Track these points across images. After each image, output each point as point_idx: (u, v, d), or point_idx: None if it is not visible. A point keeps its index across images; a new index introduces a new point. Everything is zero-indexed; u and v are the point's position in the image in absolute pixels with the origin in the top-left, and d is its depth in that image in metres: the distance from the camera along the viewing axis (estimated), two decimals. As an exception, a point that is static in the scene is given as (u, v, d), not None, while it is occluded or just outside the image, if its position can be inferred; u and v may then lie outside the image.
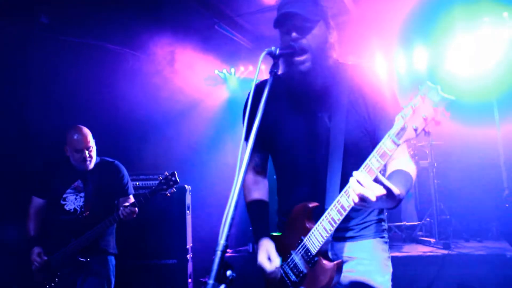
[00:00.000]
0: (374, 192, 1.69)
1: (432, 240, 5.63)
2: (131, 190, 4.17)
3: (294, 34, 2.08)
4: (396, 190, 1.78)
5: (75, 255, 3.74)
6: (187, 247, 5.54)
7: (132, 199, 4.10)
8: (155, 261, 5.43)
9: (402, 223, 6.32)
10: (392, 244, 5.82)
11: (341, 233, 2.17)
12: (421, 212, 6.35)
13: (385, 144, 1.69)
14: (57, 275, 3.75)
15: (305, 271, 2.08)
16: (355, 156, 2.04)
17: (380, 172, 1.78)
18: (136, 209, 3.78)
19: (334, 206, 1.91)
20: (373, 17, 7.03)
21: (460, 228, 6.03)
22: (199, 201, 6.24)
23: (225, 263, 1.66)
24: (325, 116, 2.18)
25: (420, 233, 6.13)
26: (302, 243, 2.08)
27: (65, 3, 5.39)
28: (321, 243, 1.99)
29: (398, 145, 1.66)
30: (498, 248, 5.22)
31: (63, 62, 5.78)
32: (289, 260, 2.15)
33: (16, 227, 4.40)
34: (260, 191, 2.46)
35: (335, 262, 2.02)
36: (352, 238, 2.19)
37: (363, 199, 1.71)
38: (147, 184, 5.58)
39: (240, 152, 1.81)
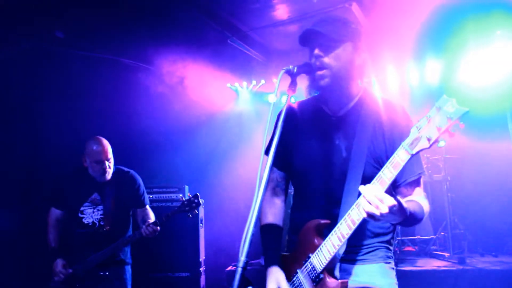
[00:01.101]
0: (385, 201, 1.71)
1: (447, 254, 5.58)
2: (147, 200, 4.18)
3: (316, 51, 2.11)
4: (404, 204, 1.81)
5: (94, 268, 3.77)
6: (200, 260, 5.55)
7: (149, 209, 4.14)
8: (169, 274, 5.45)
9: (416, 237, 6.27)
10: (406, 258, 5.78)
11: (347, 255, 2.13)
12: (435, 226, 6.29)
13: (399, 154, 1.72)
14: (76, 286, 3.77)
15: None
16: None
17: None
18: (158, 227, 3.80)
19: (344, 220, 1.91)
20: (385, 30, 7.05)
21: (475, 243, 5.97)
22: (212, 214, 6.26)
23: (245, 279, 1.68)
24: (343, 146, 2.19)
25: (434, 247, 6.07)
26: (309, 261, 2.07)
27: (80, 18, 5.49)
28: (328, 259, 1.97)
29: (412, 155, 1.69)
30: (513, 263, 5.16)
31: (78, 76, 5.88)
32: (294, 279, 2.13)
33: (25, 234, 4.46)
34: (275, 215, 2.41)
35: (340, 281, 2.00)
36: (356, 261, 2.17)
37: (373, 212, 1.73)
38: (160, 197, 5.62)
39: (260, 168, 1.83)
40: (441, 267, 5.11)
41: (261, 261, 6.21)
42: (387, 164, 1.76)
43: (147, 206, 4.16)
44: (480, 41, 6.50)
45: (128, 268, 4.02)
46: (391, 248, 2.27)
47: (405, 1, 6.32)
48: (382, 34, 7.12)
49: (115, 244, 3.82)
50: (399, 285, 2.21)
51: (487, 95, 6.55)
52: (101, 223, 3.92)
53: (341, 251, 2.04)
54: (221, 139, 7.26)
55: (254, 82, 8.03)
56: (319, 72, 2.11)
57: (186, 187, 5.83)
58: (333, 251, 1.95)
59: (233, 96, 8.14)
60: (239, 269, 1.63)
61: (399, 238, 6.07)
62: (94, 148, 3.85)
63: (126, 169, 4.16)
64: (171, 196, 5.64)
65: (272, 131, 2.12)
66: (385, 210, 1.70)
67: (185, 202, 3.94)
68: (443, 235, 5.88)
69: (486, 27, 6.32)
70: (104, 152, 3.86)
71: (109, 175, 3.93)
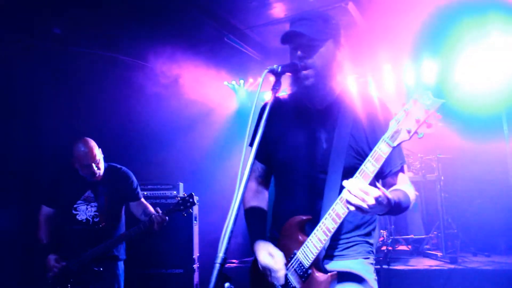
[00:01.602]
0: (371, 193, 1.74)
1: (439, 253, 5.60)
2: (141, 194, 4.24)
3: (300, 52, 2.12)
4: (388, 195, 1.84)
5: (90, 263, 3.81)
6: (193, 257, 5.58)
7: (145, 202, 4.21)
8: (162, 271, 5.47)
9: (410, 236, 6.29)
10: (399, 257, 5.80)
11: (327, 251, 2.15)
12: (428, 226, 6.32)
13: (380, 147, 1.78)
14: (70, 281, 3.79)
15: (298, 286, 2.05)
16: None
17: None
18: (167, 218, 3.85)
19: (329, 214, 1.93)
20: (381, 29, 7.08)
21: (468, 242, 5.98)
22: (207, 211, 6.28)
23: (223, 275, 1.70)
24: (323, 137, 2.21)
25: (427, 246, 6.10)
26: (295, 257, 2.08)
27: (77, 15, 5.51)
28: (315, 254, 1.98)
29: (393, 148, 1.75)
30: (505, 263, 5.17)
31: (75, 73, 5.90)
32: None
33: (25, 234, 4.49)
34: (260, 200, 2.45)
35: (329, 274, 2.00)
36: (335, 257, 2.19)
37: (360, 205, 1.76)
38: (154, 194, 5.65)
39: (240, 169, 1.85)
40: (433, 266, 5.13)
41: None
42: (369, 158, 1.81)
43: (142, 199, 4.22)
44: (476, 40, 6.51)
45: (121, 264, 4.07)
46: (372, 242, 2.28)
47: (402, 1, 6.35)
48: (379, 34, 7.15)
49: (113, 240, 3.89)
50: (392, 284, 2.23)
51: (483, 94, 6.58)
52: (95, 219, 3.96)
53: (327, 245, 2.07)
54: (218, 136, 7.28)
55: (251, 80, 8.05)
56: (304, 72, 2.13)
57: (181, 184, 5.85)
58: (319, 246, 1.97)
59: (230, 94, 8.16)
60: (217, 265, 1.66)
61: (392, 237, 6.10)
62: (81, 151, 3.88)
63: (118, 165, 4.20)
64: (165, 193, 5.67)
65: (255, 123, 2.21)
66: (371, 201, 1.74)
67: (180, 201, 3.97)
68: (436, 235, 5.88)
69: (482, 28, 6.33)
70: (91, 155, 3.88)
71: (99, 176, 3.97)
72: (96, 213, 3.97)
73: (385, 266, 5.11)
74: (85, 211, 3.97)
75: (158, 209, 3.96)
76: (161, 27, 6.13)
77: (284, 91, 2.32)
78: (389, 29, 6.85)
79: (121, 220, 4.18)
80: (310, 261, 2.00)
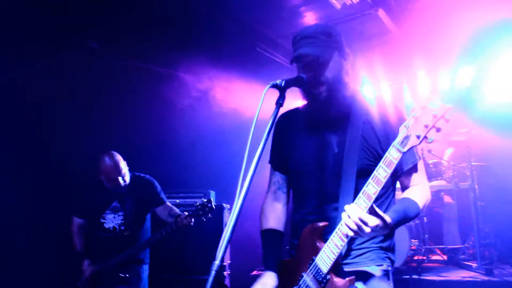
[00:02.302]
0: (369, 223, 1.83)
1: (474, 264, 5.44)
2: (165, 198, 4.46)
3: (309, 73, 2.19)
4: (387, 219, 1.90)
5: (116, 268, 4.04)
6: (224, 264, 5.65)
7: (170, 205, 4.43)
8: (194, 277, 5.56)
9: (444, 246, 6.15)
10: (432, 267, 5.69)
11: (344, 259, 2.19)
12: (465, 235, 6.15)
13: (391, 153, 1.84)
14: (98, 285, 4.05)
15: None
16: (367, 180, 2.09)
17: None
18: (193, 220, 4.06)
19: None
20: (414, 36, 7.00)
21: (506, 253, 5.78)
22: (239, 219, 6.35)
23: (219, 283, 1.77)
24: (334, 142, 2.26)
25: (463, 256, 5.93)
26: (314, 263, 2.12)
27: (114, 28, 5.76)
28: (333, 260, 2.02)
29: (403, 153, 1.81)
30: (544, 275, 4.98)
31: (108, 83, 6.14)
32: (300, 283, 2.17)
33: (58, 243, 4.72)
34: (277, 219, 2.48)
35: (347, 278, 2.04)
36: (347, 265, 2.21)
37: (356, 235, 1.87)
38: (185, 202, 5.80)
39: (240, 179, 1.92)
40: (466, 278, 5.00)
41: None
42: (381, 164, 1.86)
43: (167, 203, 4.43)
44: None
45: (146, 268, 4.29)
46: (387, 248, 2.27)
47: (436, 8, 6.27)
48: (413, 40, 7.07)
49: (136, 246, 4.10)
50: None
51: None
52: (122, 227, 4.20)
53: (344, 250, 2.13)
54: (251, 146, 7.33)
55: (284, 88, 8.08)
56: (316, 90, 2.20)
57: (212, 193, 5.96)
58: (337, 252, 2.00)
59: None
60: (213, 272, 1.72)
61: (426, 246, 5.97)
62: (107, 165, 4.09)
63: (142, 174, 4.41)
64: (196, 202, 5.78)
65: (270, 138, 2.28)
66: (368, 230, 1.83)
67: (198, 207, 4.13)
68: (472, 245, 5.72)
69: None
70: (117, 169, 4.09)
71: (125, 187, 4.18)
72: (122, 221, 4.20)
73: (415, 276, 5.02)
74: (112, 220, 4.20)
75: (186, 213, 4.14)
76: (193, 39, 6.29)
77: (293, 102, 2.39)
78: (422, 35, 6.78)
79: (145, 226, 4.40)
80: (328, 267, 2.04)
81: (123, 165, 4.18)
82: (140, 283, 4.18)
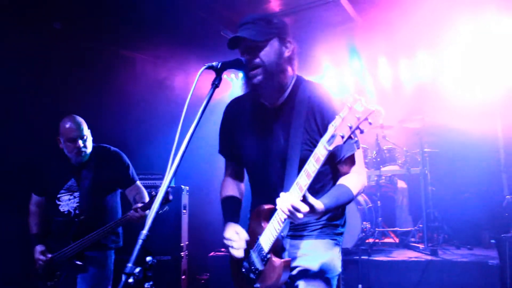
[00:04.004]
0: (301, 209, 1.98)
1: (421, 246, 5.75)
2: (136, 176, 3.99)
3: (246, 55, 2.30)
4: (319, 206, 2.06)
5: (73, 257, 3.66)
6: (181, 244, 5.85)
7: (139, 186, 3.97)
8: (151, 257, 5.72)
9: (395, 228, 6.46)
10: (383, 249, 5.99)
11: (296, 232, 2.41)
12: (416, 219, 6.47)
13: (319, 150, 1.92)
14: (57, 274, 3.72)
15: (260, 268, 2.29)
16: None
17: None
18: (147, 212, 3.55)
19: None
20: (377, 24, 7.21)
21: (452, 235, 6.12)
22: (198, 201, 6.55)
23: (146, 251, 1.95)
24: (281, 135, 2.39)
25: (413, 239, 6.25)
26: (258, 242, 2.31)
27: (77, 10, 5.80)
28: (271, 241, 2.20)
29: (328, 151, 1.88)
30: (484, 255, 5.30)
31: (72, 66, 6.18)
32: (249, 258, 2.37)
33: (17, 223, 4.49)
34: (235, 190, 2.70)
35: (282, 260, 2.21)
36: (304, 237, 2.41)
37: (290, 219, 2.04)
38: (144, 183, 5.90)
39: (171, 156, 2.07)
40: (411, 258, 5.30)
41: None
42: (311, 159, 1.96)
43: (138, 183, 3.96)
44: (474, 34, 6.64)
45: (111, 253, 3.90)
46: (338, 227, 2.48)
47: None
48: (374, 28, 7.29)
49: (95, 233, 3.63)
50: (371, 274, 2.43)
51: (477, 87, 6.71)
52: (76, 211, 3.78)
53: (284, 233, 2.30)
54: (211, 129, 7.48)
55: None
56: (252, 72, 2.29)
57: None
58: (275, 234, 2.17)
59: (228, 86, 8.39)
60: (140, 241, 1.89)
61: (380, 229, 6.27)
62: (67, 126, 3.68)
63: (107, 146, 3.97)
64: (155, 183, 5.95)
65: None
66: (300, 216, 1.99)
67: (154, 198, 3.54)
68: (421, 228, 6.03)
69: (480, 21, 6.47)
70: (77, 129, 3.69)
71: (85, 155, 3.75)
72: (78, 204, 3.78)
73: (364, 257, 5.31)
74: (67, 202, 3.81)
75: (139, 204, 3.59)
76: (153, 22, 6.35)
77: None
78: (384, 24, 6.99)
79: (109, 208, 3.91)
80: (269, 247, 2.23)
81: (85, 128, 3.76)
82: (104, 270, 3.79)
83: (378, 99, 8.07)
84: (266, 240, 2.24)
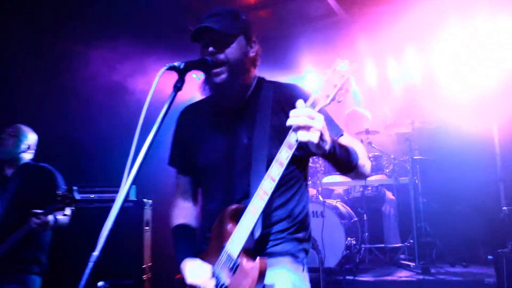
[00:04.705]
0: (317, 117, 1.88)
1: (412, 264, 5.81)
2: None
3: (211, 49, 2.28)
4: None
5: None
6: (143, 266, 5.76)
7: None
8: (115, 281, 5.61)
9: (384, 245, 6.50)
10: (370, 268, 6.02)
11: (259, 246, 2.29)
12: (404, 234, 6.52)
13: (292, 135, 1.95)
14: None
15: (226, 283, 2.15)
16: None
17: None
18: (48, 218, 3.76)
19: (257, 194, 2.05)
20: (361, 20, 7.31)
21: (446, 252, 6.18)
22: (163, 216, 6.45)
23: (97, 274, 1.90)
24: (244, 135, 2.39)
25: (402, 256, 6.31)
26: (224, 250, 2.18)
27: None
28: (243, 242, 2.07)
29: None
30: (480, 273, 5.40)
31: (18, 63, 6.07)
32: (214, 276, 2.23)
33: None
34: (188, 217, 2.58)
35: (256, 260, 2.06)
36: (265, 253, 2.32)
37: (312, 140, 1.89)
38: (102, 197, 5.86)
39: (127, 167, 2.03)
40: (402, 278, 5.36)
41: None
42: (284, 145, 1.98)
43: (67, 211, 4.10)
44: (466, 30, 6.77)
45: (35, 279, 3.98)
46: (302, 239, 2.42)
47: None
48: (360, 23, 7.38)
49: (6, 241, 3.75)
50: None
51: (470, 88, 6.82)
52: None
53: (257, 234, 2.17)
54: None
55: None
56: (216, 70, 2.28)
57: (133, 187, 6.03)
58: (247, 231, 2.07)
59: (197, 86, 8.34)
60: (90, 264, 1.85)
61: (366, 246, 6.30)
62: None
63: (40, 163, 4.19)
64: (113, 197, 5.85)
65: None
66: (319, 126, 1.87)
67: (58, 198, 3.82)
68: (413, 243, 6.08)
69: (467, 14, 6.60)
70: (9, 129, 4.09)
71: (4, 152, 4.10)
72: None
73: (349, 277, 5.33)
74: None
75: (36, 211, 3.75)
76: (114, 15, 6.31)
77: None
78: (370, 20, 7.09)
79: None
80: (239, 250, 2.10)
81: (10, 131, 4.15)
82: None
83: (363, 102, 8.15)
84: (235, 243, 2.13)
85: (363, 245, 6.17)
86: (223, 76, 2.29)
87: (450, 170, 6.71)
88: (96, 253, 1.88)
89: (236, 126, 2.43)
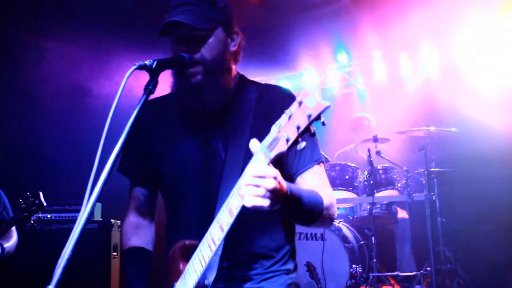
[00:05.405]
0: (266, 173, 1.77)
1: (431, 295, 5.80)
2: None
3: (183, 47, 2.25)
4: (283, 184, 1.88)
5: None
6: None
7: (12, 230, 4.24)
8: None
9: (396, 273, 6.47)
10: (382, 300, 6.01)
11: (240, 284, 2.32)
12: (421, 260, 6.50)
13: (257, 158, 1.82)
14: None
15: None
16: None
17: None
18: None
19: (206, 239, 2.02)
20: (371, 9, 7.32)
21: (469, 280, 6.15)
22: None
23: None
24: (220, 145, 2.37)
25: (418, 286, 6.29)
26: None
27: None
28: (194, 283, 2.08)
29: (270, 159, 1.79)
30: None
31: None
32: None
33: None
34: (142, 238, 2.59)
35: None
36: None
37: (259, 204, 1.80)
38: (61, 217, 5.79)
39: (90, 182, 1.99)
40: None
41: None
42: (246, 171, 1.85)
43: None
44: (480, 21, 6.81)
45: None
46: (291, 271, 2.44)
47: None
48: (367, 13, 7.40)
49: None
50: None
51: (491, 90, 6.83)
52: None
53: (210, 280, 2.15)
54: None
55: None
56: (191, 70, 2.25)
57: (98, 205, 6.00)
58: (195, 279, 2.07)
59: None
60: (47, 299, 1.82)
61: (374, 274, 6.27)
62: None
63: None
64: (75, 216, 5.81)
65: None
66: (270, 185, 1.77)
67: (23, 206, 3.94)
68: (430, 271, 6.06)
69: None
70: None
71: None
72: None
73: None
74: None
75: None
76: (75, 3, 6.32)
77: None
78: (380, 7, 7.10)
79: None
80: None
81: None
82: None
83: (371, 104, 8.17)
84: (185, 285, 2.14)
85: (371, 274, 6.13)
86: (199, 77, 2.27)
87: (473, 184, 6.68)
88: (51, 286, 1.84)
89: (211, 133, 2.40)
